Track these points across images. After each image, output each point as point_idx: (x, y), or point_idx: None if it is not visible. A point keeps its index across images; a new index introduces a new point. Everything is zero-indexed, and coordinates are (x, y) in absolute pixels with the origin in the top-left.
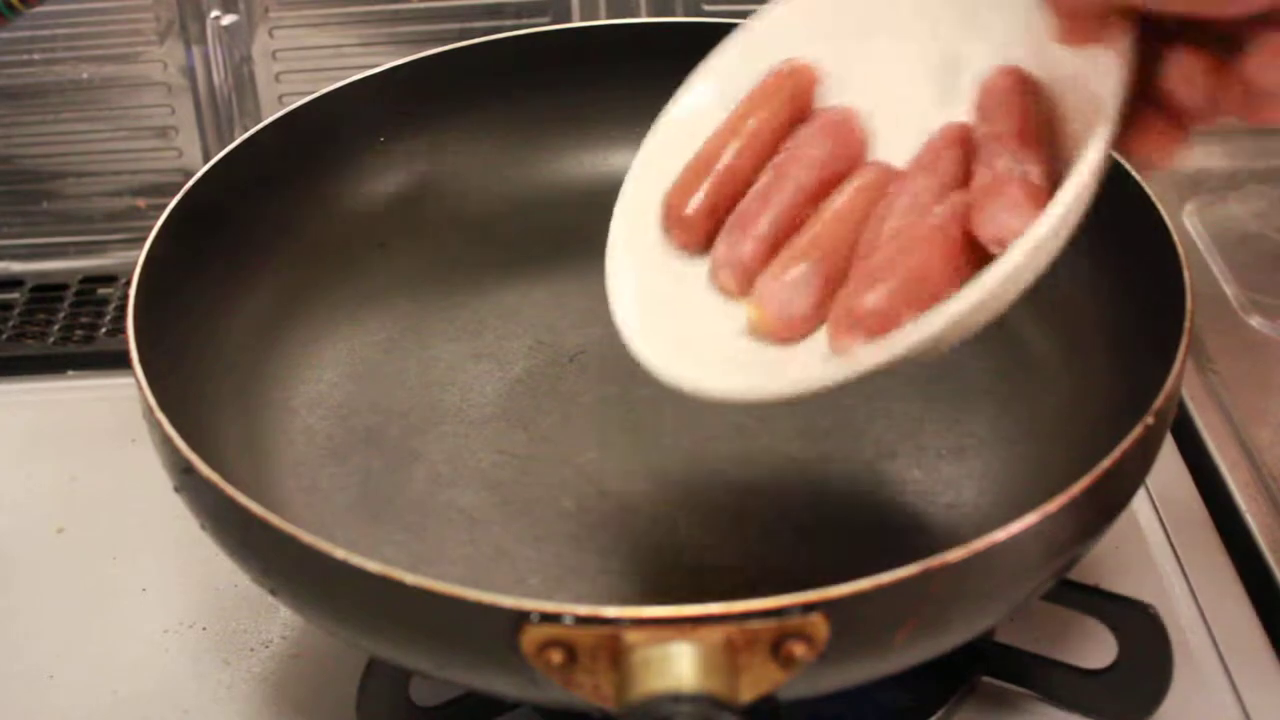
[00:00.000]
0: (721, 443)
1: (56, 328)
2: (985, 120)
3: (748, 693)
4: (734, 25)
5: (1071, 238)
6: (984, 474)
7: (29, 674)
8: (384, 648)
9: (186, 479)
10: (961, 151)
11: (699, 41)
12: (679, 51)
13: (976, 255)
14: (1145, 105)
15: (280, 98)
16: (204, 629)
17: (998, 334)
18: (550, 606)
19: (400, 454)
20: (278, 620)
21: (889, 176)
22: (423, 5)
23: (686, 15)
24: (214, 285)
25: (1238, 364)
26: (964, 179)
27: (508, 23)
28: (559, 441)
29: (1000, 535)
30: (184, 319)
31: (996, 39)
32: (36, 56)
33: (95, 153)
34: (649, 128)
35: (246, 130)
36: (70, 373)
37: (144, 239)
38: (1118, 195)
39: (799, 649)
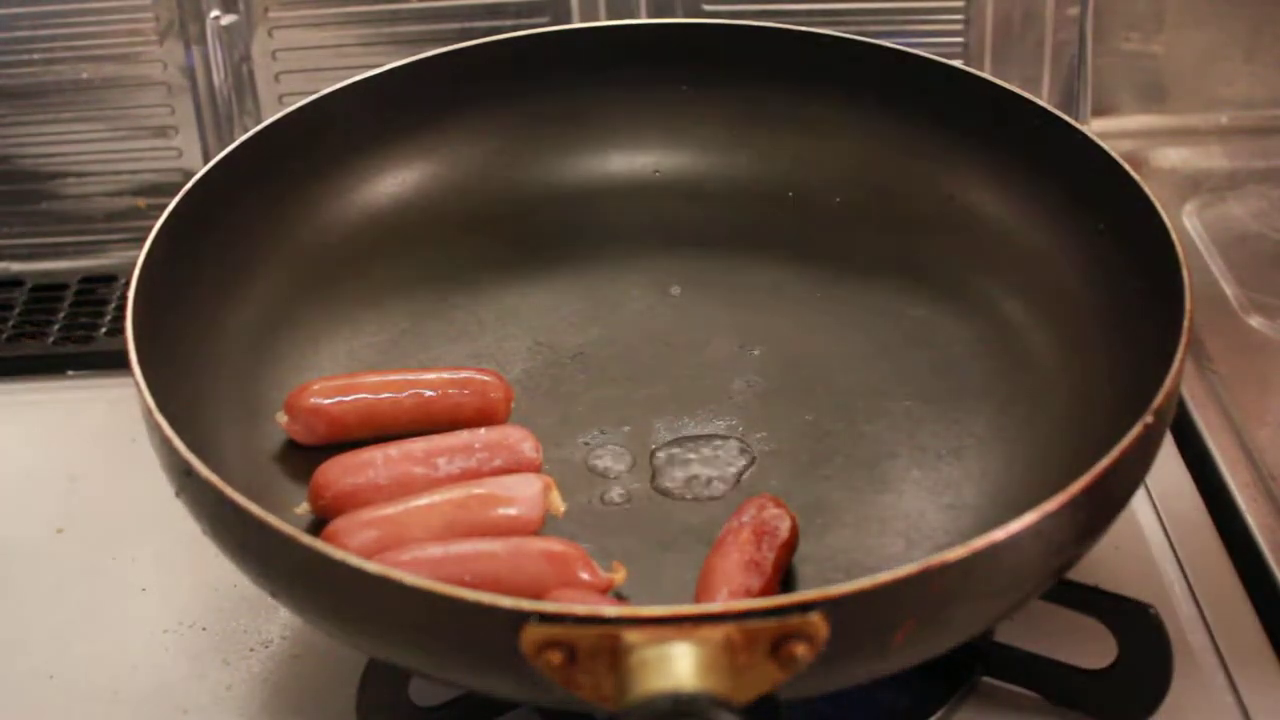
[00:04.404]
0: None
1: (56, 328)
2: None
3: (748, 692)
4: (734, 25)
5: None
6: (984, 474)
7: (29, 674)
8: (384, 649)
9: (187, 481)
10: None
11: (699, 41)
12: (679, 51)
13: None
14: None
15: (280, 98)
16: (204, 629)
17: (998, 334)
18: (550, 607)
19: None
20: (278, 620)
21: None
22: (423, 5)
23: (686, 15)
24: (213, 286)
25: (1238, 364)
26: None
27: (508, 23)
28: (559, 443)
29: (1000, 535)
30: (184, 319)
31: None
32: (36, 56)
33: (95, 153)
34: (649, 128)
35: (246, 130)
36: (70, 373)
37: (144, 239)
38: (1118, 195)
39: (799, 648)
